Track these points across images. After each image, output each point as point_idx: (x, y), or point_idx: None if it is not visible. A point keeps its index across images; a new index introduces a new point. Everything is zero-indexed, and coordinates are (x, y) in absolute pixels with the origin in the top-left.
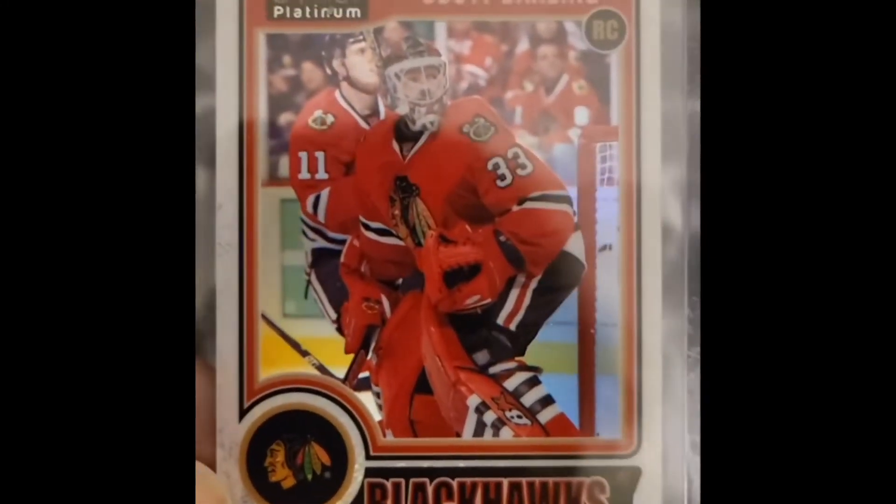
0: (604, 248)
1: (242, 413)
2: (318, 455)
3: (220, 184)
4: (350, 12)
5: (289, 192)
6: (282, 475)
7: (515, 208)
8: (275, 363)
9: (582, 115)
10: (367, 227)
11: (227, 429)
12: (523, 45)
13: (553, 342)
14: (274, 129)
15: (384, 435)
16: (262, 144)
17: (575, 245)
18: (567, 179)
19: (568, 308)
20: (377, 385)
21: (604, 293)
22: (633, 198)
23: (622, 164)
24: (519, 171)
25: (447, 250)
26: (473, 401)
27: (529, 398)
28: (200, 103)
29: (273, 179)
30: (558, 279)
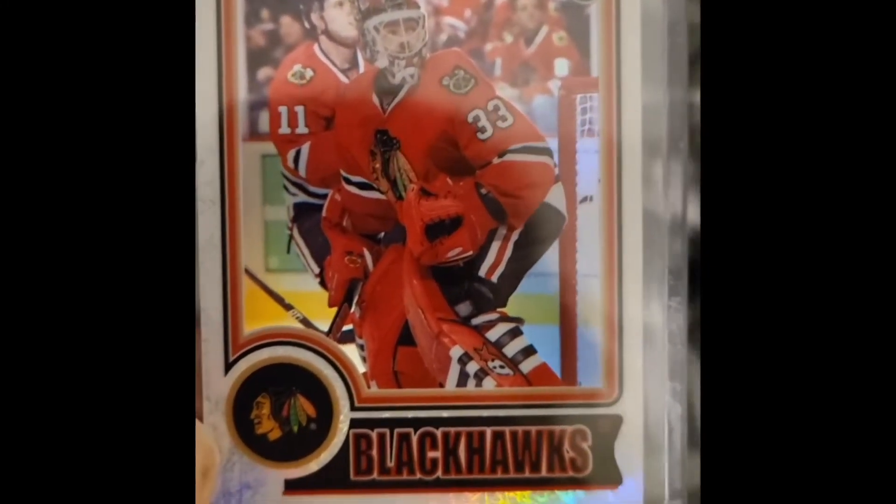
0: (585, 199)
1: (228, 367)
2: (304, 407)
3: (200, 140)
4: None
5: (269, 148)
6: (268, 427)
7: (496, 161)
8: (259, 317)
9: (562, 66)
10: (349, 182)
11: (213, 382)
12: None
13: (534, 293)
14: (253, 85)
15: (368, 386)
16: (241, 100)
17: (556, 197)
18: (547, 131)
19: (549, 259)
20: (361, 337)
21: (585, 244)
22: (613, 149)
23: (602, 116)
24: (499, 124)
25: (428, 203)
26: (456, 352)
27: (511, 348)
28: None
29: (253, 135)
30: (539, 231)
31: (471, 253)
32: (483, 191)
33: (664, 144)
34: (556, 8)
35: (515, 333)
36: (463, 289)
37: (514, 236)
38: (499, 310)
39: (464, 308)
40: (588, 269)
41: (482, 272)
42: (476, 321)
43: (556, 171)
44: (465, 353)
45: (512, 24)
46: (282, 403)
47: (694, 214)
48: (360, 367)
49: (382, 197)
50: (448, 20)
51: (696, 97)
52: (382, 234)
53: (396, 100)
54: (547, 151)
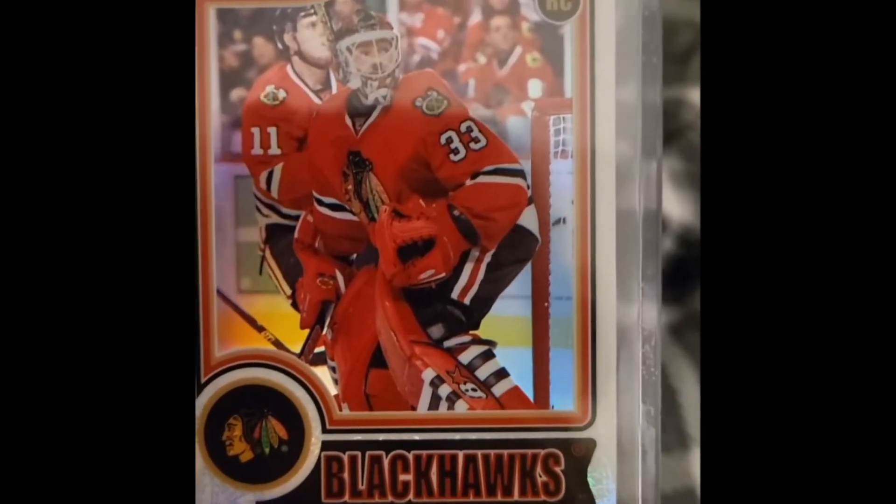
0: (558, 221)
1: (200, 388)
2: (276, 429)
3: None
4: None
5: (242, 169)
6: (239, 449)
7: (469, 182)
8: (231, 339)
9: (535, 87)
10: (321, 203)
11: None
12: (476, 17)
13: (507, 315)
14: (226, 105)
15: (340, 409)
16: (214, 120)
17: (529, 219)
18: (521, 153)
19: (522, 282)
20: (333, 360)
21: (558, 267)
22: (587, 171)
23: (576, 137)
24: (472, 145)
25: (401, 225)
26: (428, 374)
27: (484, 371)
28: None
29: (226, 155)
30: (512, 253)
31: (443, 275)
32: (456, 212)
33: (645, 169)
34: (529, 28)
35: (488, 356)
36: (435, 311)
37: (487, 258)
38: (471, 332)
39: (436, 330)
40: (561, 291)
41: (455, 294)
42: (448, 343)
43: (529, 192)
44: (438, 376)
45: (485, 45)
46: (253, 425)
47: (681, 216)
48: (332, 390)
49: (355, 218)
50: (421, 41)
51: (684, 95)
52: (355, 255)
53: (369, 121)
54: (520, 173)
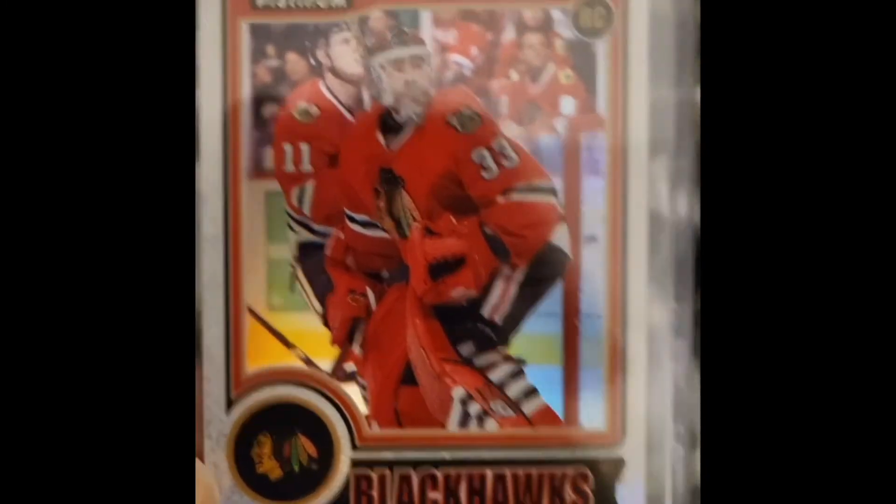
0: (589, 239)
1: (230, 405)
2: (305, 447)
3: (204, 176)
4: (334, 1)
5: (274, 185)
6: (269, 466)
7: (501, 200)
8: (261, 356)
9: (568, 104)
10: (353, 220)
11: (215, 420)
12: (509, 34)
13: (538, 334)
14: (258, 121)
15: (370, 426)
16: (246, 136)
17: (560, 236)
18: (553, 170)
19: (553, 299)
20: (363, 377)
21: (589, 284)
22: (618, 189)
23: (608, 155)
24: (504, 163)
25: (432, 242)
26: (458, 392)
27: (514, 390)
28: None
29: (258, 172)
30: (543, 271)
31: (474, 293)
32: (487, 230)
33: (673, 179)
34: (562, 46)
35: (518, 374)
36: (466, 329)
37: (518, 276)
38: (501, 350)
39: (466, 348)
40: (592, 309)
41: (485, 312)
42: (478, 361)
43: (561, 210)
44: (467, 394)
45: (518, 62)
46: (283, 443)
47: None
48: (362, 407)
49: (386, 236)
50: (454, 58)
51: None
52: (386, 272)
53: (401, 138)
54: (552, 190)
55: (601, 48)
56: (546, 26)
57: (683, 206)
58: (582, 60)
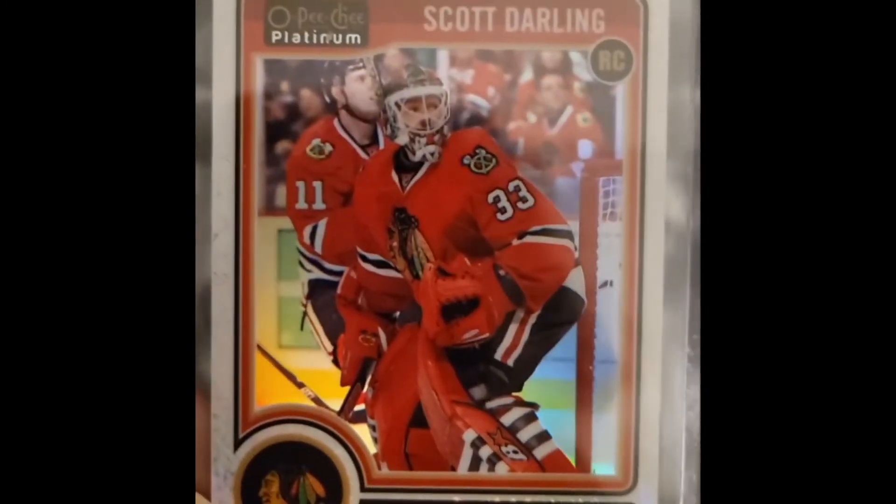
0: (604, 284)
1: (238, 443)
2: (313, 486)
3: (215, 213)
4: (350, 38)
5: (286, 223)
6: None
7: (515, 242)
8: (270, 394)
9: (586, 148)
10: (365, 259)
11: (223, 458)
12: (527, 76)
13: (551, 378)
14: (271, 158)
15: (379, 468)
16: (258, 173)
17: (575, 280)
18: (569, 214)
19: (567, 344)
20: (373, 418)
21: (603, 330)
22: (635, 234)
23: (626, 200)
24: (520, 205)
25: (445, 283)
26: (469, 435)
27: (526, 434)
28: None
29: (270, 209)
30: (558, 315)
31: (487, 335)
32: (501, 272)
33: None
34: (581, 88)
35: (530, 418)
36: (478, 372)
37: (532, 319)
38: (514, 394)
39: (478, 391)
40: (606, 355)
41: (498, 355)
42: (490, 405)
43: (577, 254)
44: (479, 437)
45: (536, 104)
46: (291, 482)
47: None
48: (372, 448)
49: (399, 276)
50: (471, 98)
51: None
52: (398, 313)
53: (416, 178)
54: (567, 234)
55: (620, 91)
56: (564, 68)
57: (697, 252)
58: (600, 103)
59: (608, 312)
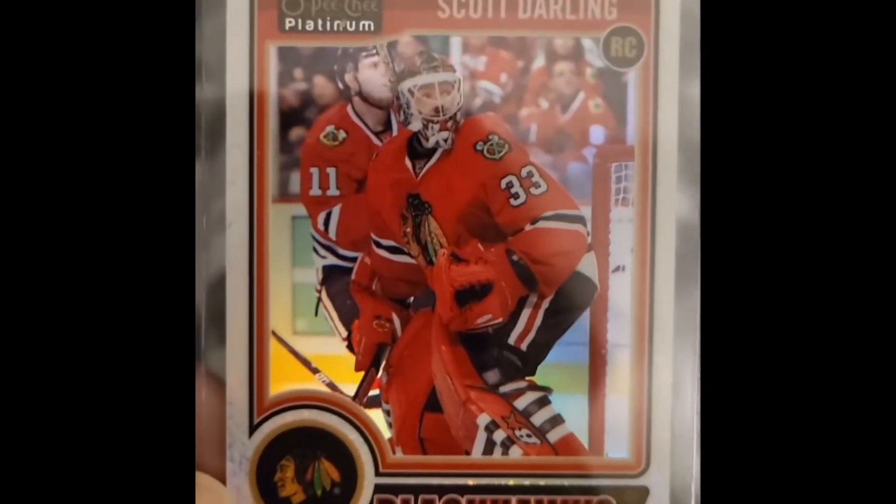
0: (617, 269)
1: (253, 429)
2: (328, 471)
3: (229, 200)
4: (363, 25)
5: (300, 209)
6: (291, 490)
7: (528, 227)
8: (285, 380)
9: (598, 133)
10: (379, 245)
11: (238, 444)
12: (539, 62)
13: (564, 362)
14: (285, 145)
15: (394, 452)
16: (272, 160)
17: (588, 266)
18: (581, 199)
19: (579, 329)
20: (387, 403)
21: (616, 314)
22: (647, 219)
23: (637, 185)
24: (533, 190)
25: (459, 269)
26: (483, 419)
27: (539, 417)
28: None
29: (284, 196)
30: (570, 300)
31: (500, 320)
32: (514, 257)
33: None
34: (593, 74)
35: (543, 402)
36: (492, 356)
37: (545, 304)
38: (527, 378)
39: (492, 376)
40: (619, 338)
41: (511, 340)
42: (504, 389)
43: (589, 239)
44: (493, 421)
45: (548, 90)
46: (306, 467)
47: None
48: (386, 433)
49: (412, 261)
50: (483, 84)
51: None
52: (412, 298)
53: (429, 164)
54: (580, 219)
55: (632, 77)
56: (576, 55)
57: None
58: (612, 89)
59: (621, 297)
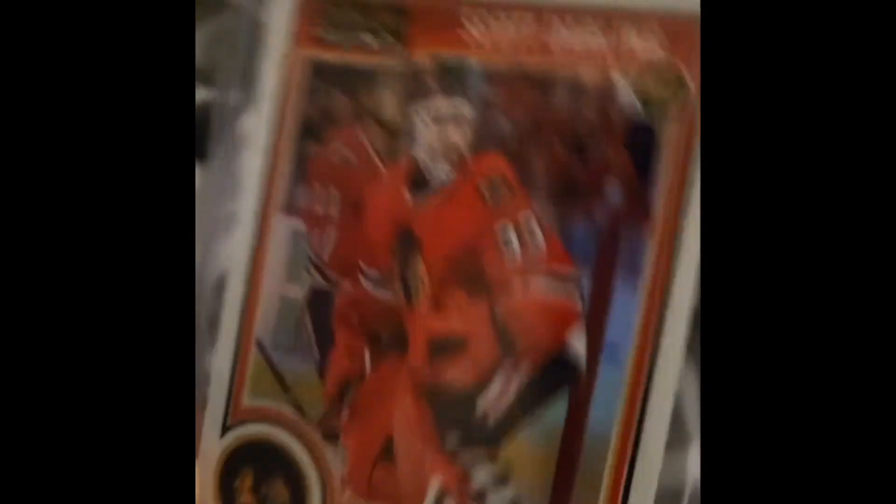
0: (611, 350)
1: (224, 431)
2: (280, 492)
3: (238, 207)
4: (387, 41)
5: (300, 225)
6: (246, 500)
7: (518, 284)
8: (259, 391)
9: (614, 190)
10: (365, 275)
11: (208, 443)
12: (561, 98)
13: (533, 442)
14: (300, 158)
15: (343, 491)
16: (285, 172)
17: (577, 342)
18: (582, 262)
19: (556, 410)
20: (345, 440)
21: (601, 403)
22: (656, 301)
23: (650, 259)
24: (529, 242)
25: (437, 317)
26: (434, 485)
27: (494, 499)
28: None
29: (289, 208)
30: (550, 377)
31: (471, 382)
32: (497, 318)
33: None
34: (619, 118)
35: (502, 482)
36: (455, 418)
37: (522, 377)
38: (490, 449)
39: (452, 440)
40: (600, 430)
41: (479, 405)
42: (463, 457)
43: (581, 311)
44: (443, 490)
45: (565, 132)
46: (261, 481)
47: None
48: (338, 471)
49: (392, 297)
50: (498, 118)
51: None
52: (386, 336)
53: (427, 197)
54: (574, 281)
55: (665, 129)
56: (604, 94)
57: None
58: (639, 140)
59: (610, 385)
